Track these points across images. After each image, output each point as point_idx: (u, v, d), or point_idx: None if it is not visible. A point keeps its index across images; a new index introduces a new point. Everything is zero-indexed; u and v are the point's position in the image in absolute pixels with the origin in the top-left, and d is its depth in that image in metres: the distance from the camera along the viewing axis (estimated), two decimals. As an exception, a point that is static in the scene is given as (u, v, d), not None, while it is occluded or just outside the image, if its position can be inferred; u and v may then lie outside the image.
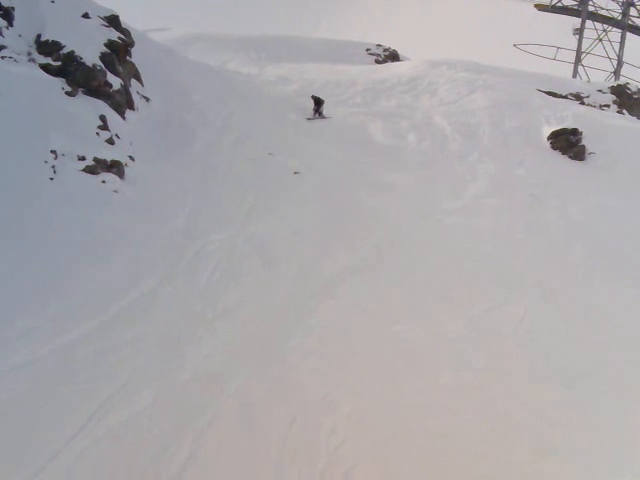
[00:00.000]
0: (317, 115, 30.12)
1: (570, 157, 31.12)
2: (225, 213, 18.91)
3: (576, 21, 64.77)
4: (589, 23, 64.96)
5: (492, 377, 14.03)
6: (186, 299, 14.44)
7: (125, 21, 25.47)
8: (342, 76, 39.54)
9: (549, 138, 32.21)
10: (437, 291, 17.30)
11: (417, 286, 17.37)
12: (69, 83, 19.95)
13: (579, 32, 64.59)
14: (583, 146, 31.58)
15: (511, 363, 14.67)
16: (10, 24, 20.35)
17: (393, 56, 55.58)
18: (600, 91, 46.25)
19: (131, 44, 24.78)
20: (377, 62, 52.70)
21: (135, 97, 23.48)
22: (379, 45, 56.77)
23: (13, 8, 20.70)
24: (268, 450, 10.71)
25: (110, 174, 17.97)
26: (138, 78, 24.96)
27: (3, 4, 20.30)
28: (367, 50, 55.38)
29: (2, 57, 19.20)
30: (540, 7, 65.02)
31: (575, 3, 64.63)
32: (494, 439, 11.99)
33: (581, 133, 32.12)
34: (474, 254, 19.93)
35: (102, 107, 20.22)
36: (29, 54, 20.16)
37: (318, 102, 30.37)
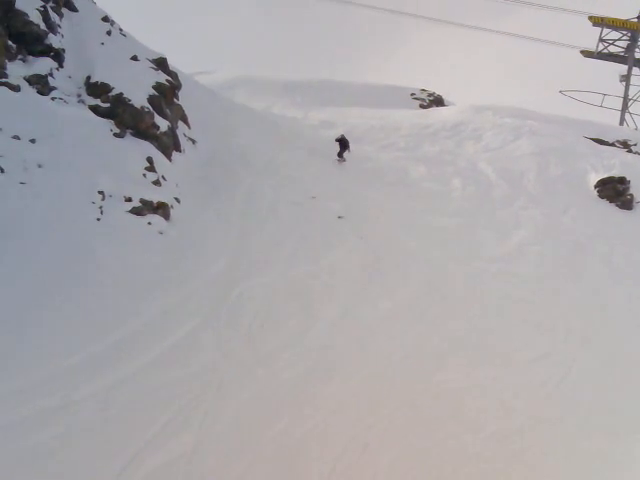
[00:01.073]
0: (341, 157, 29.23)
1: (617, 206, 30.60)
2: (267, 256, 18.88)
3: (623, 68, 64.38)
4: (636, 70, 64.51)
5: (533, 421, 13.97)
6: (227, 343, 14.38)
7: (172, 64, 25.83)
8: (386, 121, 39.59)
9: (596, 186, 31.77)
10: (476, 339, 17.10)
11: (458, 333, 17.16)
12: (117, 124, 20.25)
13: (626, 79, 64.13)
14: (631, 195, 31.08)
15: (554, 415, 14.48)
16: (60, 66, 20.78)
17: (438, 101, 55.56)
18: (647, 139, 45.65)
19: (178, 87, 25.14)
20: (421, 107, 52.66)
21: (182, 139, 23.75)
22: (424, 90, 56.82)
23: (64, 50, 21.15)
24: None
25: (156, 216, 18.13)
26: (185, 120, 25.25)
27: (54, 45, 20.73)
28: (412, 95, 55.44)
29: (52, 98, 19.57)
30: (586, 53, 64.74)
31: (621, 50, 64.27)
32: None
33: (629, 182, 31.63)
34: (516, 301, 19.69)
35: (149, 149, 20.47)
36: (79, 95, 20.53)
37: (344, 144, 29.71)
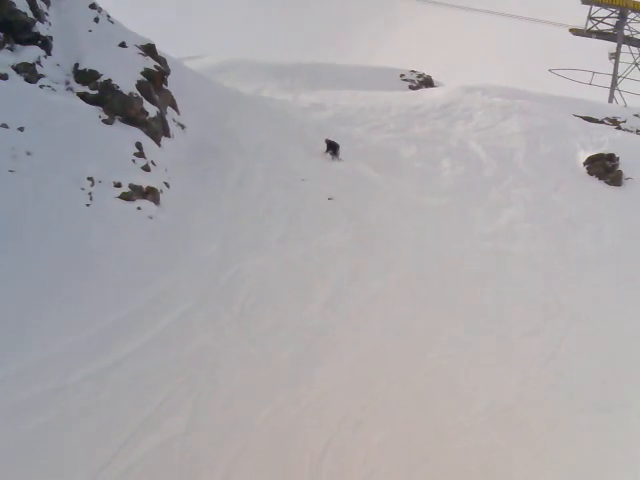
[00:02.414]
0: (334, 158, 28.85)
1: (607, 183, 30.61)
2: (258, 239, 18.93)
3: (612, 45, 64.47)
4: (625, 47, 64.62)
5: (526, 397, 14.11)
6: (220, 324, 14.46)
7: (161, 49, 25.78)
8: (376, 102, 39.53)
9: (585, 163, 31.81)
10: (468, 316, 17.23)
11: (450, 311, 17.28)
12: (106, 111, 20.25)
13: (615, 56, 64.26)
14: (620, 172, 31.06)
15: (546, 388, 14.63)
16: (48, 53, 20.75)
17: (427, 82, 55.62)
18: (637, 116, 45.76)
19: (167, 72, 25.11)
20: (411, 88, 52.71)
21: (171, 125, 23.75)
22: (413, 71, 56.87)
23: (51, 37, 21.12)
24: (302, 477, 10.68)
25: (146, 201, 18.13)
26: (174, 106, 25.24)
27: (41, 33, 20.69)
28: (401, 76, 55.49)
29: (40, 86, 19.57)
30: (575, 31, 64.79)
31: (610, 27, 64.34)
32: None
33: (618, 158, 31.65)
34: (508, 279, 19.81)
35: (138, 134, 20.49)
36: (67, 83, 20.53)
37: (333, 146, 28.55)
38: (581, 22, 64.60)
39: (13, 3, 20.21)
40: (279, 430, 11.65)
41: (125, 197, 17.65)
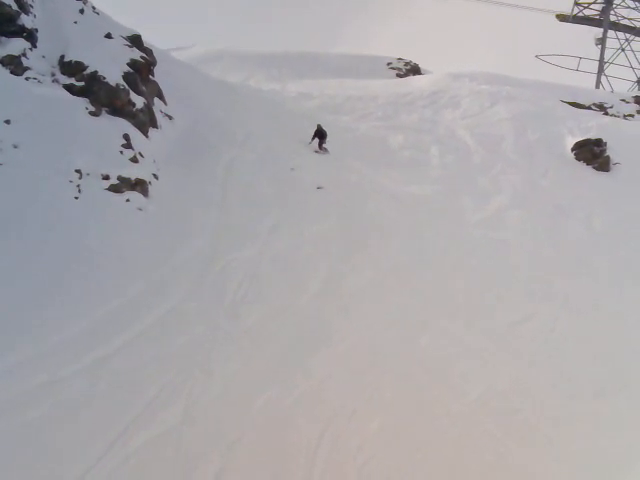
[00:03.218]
0: (321, 149, 28.03)
1: (595, 168, 30.70)
2: (248, 229, 18.88)
3: (598, 31, 64.47)
4: (611, 33, 64.64)
5: (517, 384, 14.17)
6: (212, 316, 14.42)
7: (147, 40, 25.62)
8: (363, 91, 39.47)
9: (573, 149, 31.88)
10: (460, 305, 17.29)
11: (442, 299, 17.31)
12: (93, 103, 20.09)
13: (601, 42, 64.25)
14: (608, 157, 31.16)
15: (540, 374, 14.67)
16: (34, 45, 20.54)
17: (414, 69, 55.41)
18: (624, 101, 45.80)
19: (153, 63, 24.93)
20: (398, 76, 52.54)
21: (158, 115, 23.61)
22: (400, 59, 56.64)
23: (36, 30, 20.90)
24: (297, 467, 10.68)
25: (134, 192, 18.06)
26: (161, 97, 25.09)
27: (27, 26, 20.49)
28: (388, 64, 55.27)
29: (26, 78, 19.40)
30: (561, 17, 64.77)
31: (596, 13, 64.33)
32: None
33: (605, 144, 31.72)
34: (498, 266, 19.83)
35: (126, 126, 20.32)
36: (53, 75, 20.33)
37: (321, 134, 28.16)
38: (567, 8, 64.66)
39: (-3, -5, 20.03)
40: (274, 420, 11.65)
41: (114, 189, 17.58)
